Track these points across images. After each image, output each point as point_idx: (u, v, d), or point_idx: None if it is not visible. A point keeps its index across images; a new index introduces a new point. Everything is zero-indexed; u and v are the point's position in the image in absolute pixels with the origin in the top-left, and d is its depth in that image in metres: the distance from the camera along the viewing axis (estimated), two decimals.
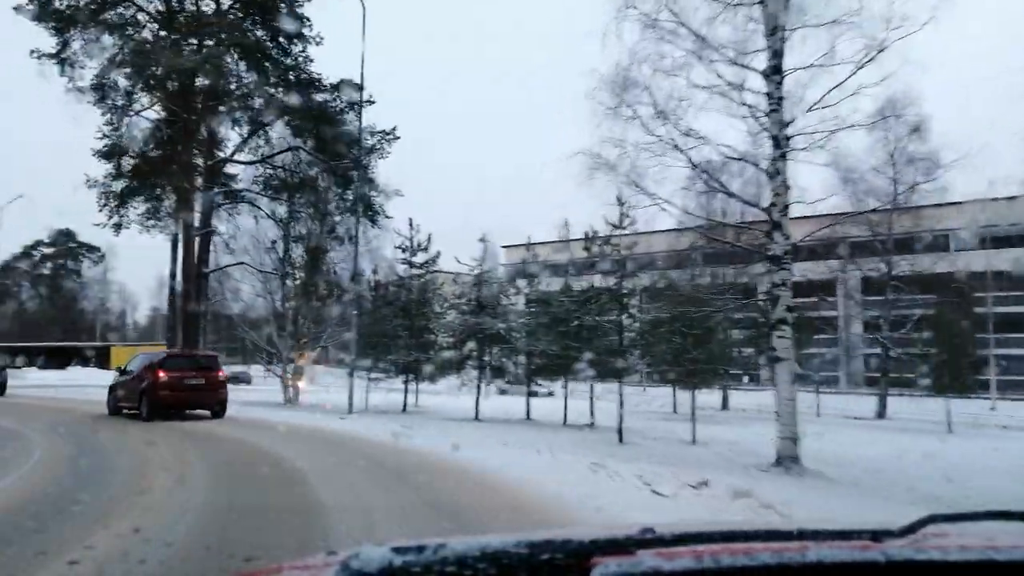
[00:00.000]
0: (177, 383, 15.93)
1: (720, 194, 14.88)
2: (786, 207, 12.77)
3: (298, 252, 28.05)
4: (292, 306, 30.83)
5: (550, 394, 24.80)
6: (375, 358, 28.59)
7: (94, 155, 24.05)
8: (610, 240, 19.03)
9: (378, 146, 25.34)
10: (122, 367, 18.36)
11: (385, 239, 28.94)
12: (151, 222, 32.77)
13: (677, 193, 14.80)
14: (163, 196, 28.02)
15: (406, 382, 29.78)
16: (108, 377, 45.76)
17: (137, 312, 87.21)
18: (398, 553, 0.99)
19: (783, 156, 12.81)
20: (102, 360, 57.03)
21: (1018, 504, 1.27)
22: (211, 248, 26.66)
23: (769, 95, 12.82)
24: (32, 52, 22.80)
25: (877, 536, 1.14)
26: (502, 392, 31.93)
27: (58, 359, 57.43)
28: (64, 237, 76.60)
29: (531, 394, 23.70)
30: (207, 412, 16.50)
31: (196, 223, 25.25)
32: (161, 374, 16.01)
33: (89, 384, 36.87)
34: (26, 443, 11.88)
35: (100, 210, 24.86)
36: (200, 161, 25.58)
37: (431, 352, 29.93)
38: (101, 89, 23.52)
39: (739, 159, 13.38)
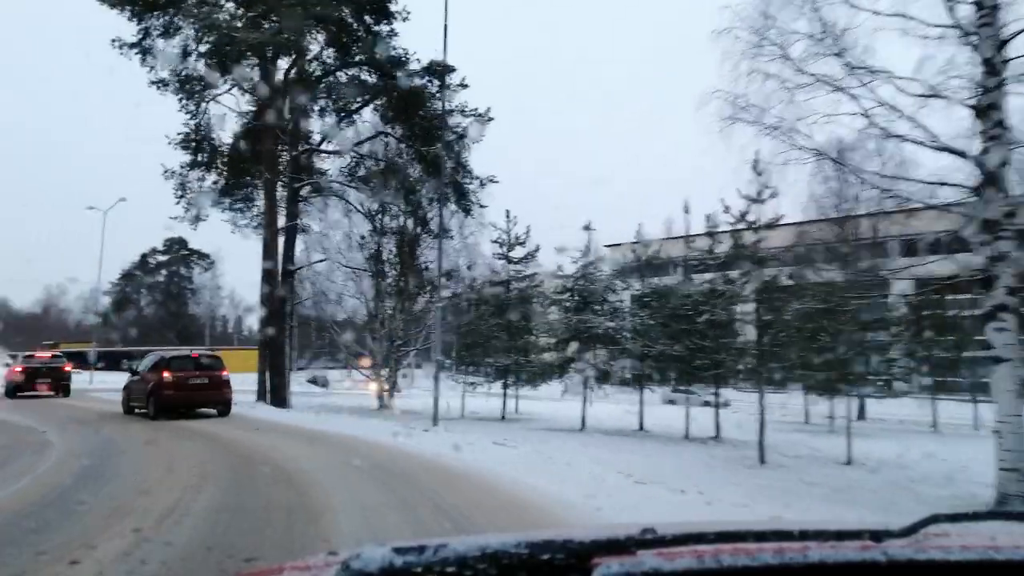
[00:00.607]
0: (181, 383, 16.15)
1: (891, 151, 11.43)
2: (1008, 154, 9.41)
3: (390, 248, 26.21)
4: (385, 306, 29.11)
5: (724, 404, 20.79)
6: (471, 361, 26.50)
7: (169, 144, 22.87)
8: (746, 221, 15.77)
9: (470, 131, 23.05)
10: (135, 368, 18.72)
11: (482, 234, 26.67)
12: (239, 217, 31.66)
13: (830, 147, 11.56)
14: (252, 193, 26.81)
15: (505, 387, 27.58)
16: None
17: (250, 317, 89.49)
18: (399, 553, 0.98)
19: (1000, 86, 9.47)
20: None
21: None
22: (298, 245, 25.11)
23: (979, 3, 9.51)
24: (113, 42, 21.86)
25: (878, 536, 1.12)
26: (669, 402, 28.57)
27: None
28: (176, 244, 79.24)
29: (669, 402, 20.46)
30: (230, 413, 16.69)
31: (282, 219, 23.70)
32: (165, 374, 16.24)
33: None
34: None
35: (177, 202, 23.74)
36: (284, 153, 23.97)
37: (531, 354, 27.58)
38: (180, 78, 22.32)
39: (930, 95, 10.06)
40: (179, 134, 23.03)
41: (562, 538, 1.06)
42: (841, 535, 1.15)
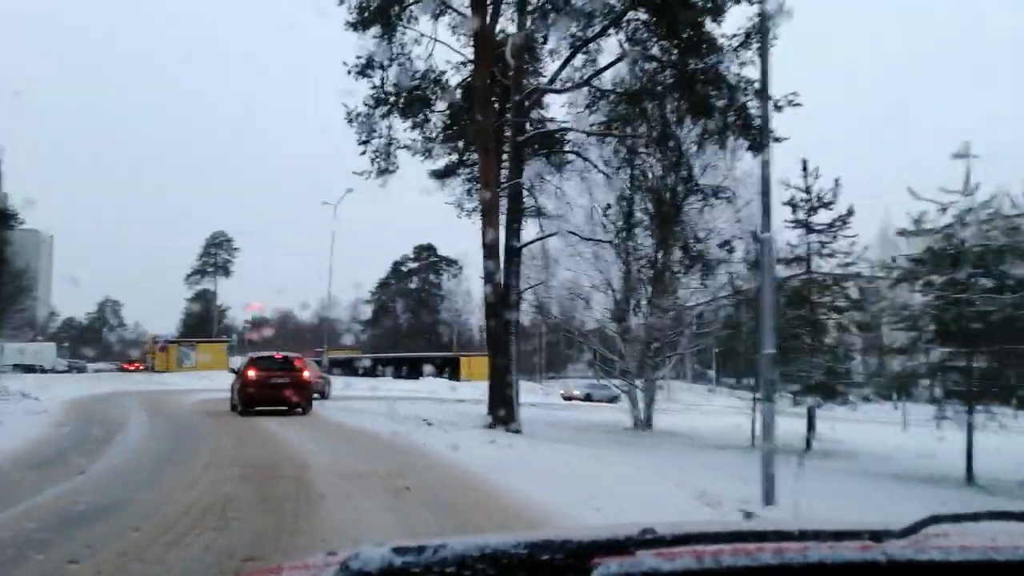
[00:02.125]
0: (263, 381, 17.08)
1: None
2: None
3: (642, 215, 19.65)
4: (639, 294, 22.61)
5: None
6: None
7: (348, 73, 18.20)
8: None
9: (758, 34, 15.68)
10: (236, 368, 19.95)
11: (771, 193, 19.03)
12: (465, 199, 26.83)
13: None
14: (464, 152, 21.82)
15: (812, 407, 19.78)
16: (446, 387, 43.09)
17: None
18: (398, 553, 0.98)
19: None
20: (453, 370, 55.81)
21: None
22: (527, 230, 19.49)
23: None
24: None
25: (878, 536, 1.13)
26: None
27: (417, 369, 57.36)
28: (425, 251, 79.71)
29: None
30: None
31: (501, 181, 18.24)
32: (249, 373, 17.35)
33: (407, 395, 33.71)
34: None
35: (362, 152, 19.16)
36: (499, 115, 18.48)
37: (847, 361, 19.46)
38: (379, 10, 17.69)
39: None
40: (359, 61, 18.23)
41: (561, 538, 1.05)
42: (841, 535, 1.14)
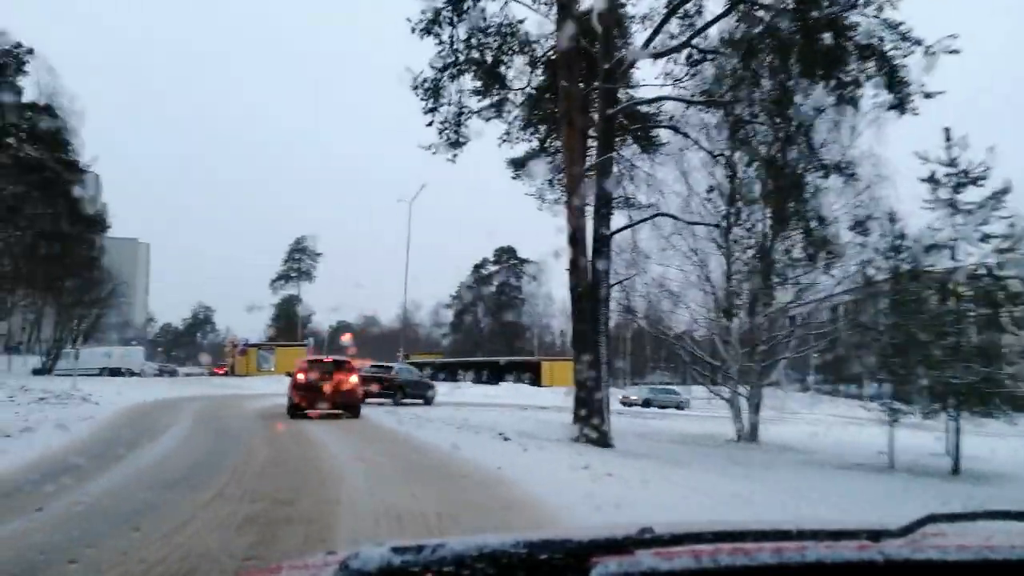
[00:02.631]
0: (311, 385, 17.03)
1: None
2: None
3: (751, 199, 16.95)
4: (744, 291, 19.90)
5: None
6: (902, 377, 15.94)
7: (412, 31, 16.15)
8: None
9: None
10: (292, 372, 19.45)
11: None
12: (546, 190, 24.88)
13: None
14: (546, 138, 19.78)
15: (956, 419, 16.58)
16: (526, 393, 40.97)
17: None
18: (397, 553, 0.98)
19: None
20: (534, 375, 53.77)
21: None
22: (614, 202, 17.09)
23: None
24: None
25: (875, 536, 1.13)
26: None
27: (497, 374, 55.61)
28: (506, 254, 78.06)
29: None
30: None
31: (587, 161, 15.96)
32: (298, 376, 17.35)
33: (486, 401, 31.85)
34: None
35: (429, 123, 17.09)
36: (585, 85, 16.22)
37: (1006, 366, 16.23)
38: None
39: None
40: (424, 16, 16.15)
41: (560, 538, 1.05)
42: (839, 535, 1.14)
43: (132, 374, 42.01)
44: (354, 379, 17.92)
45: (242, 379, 42.78)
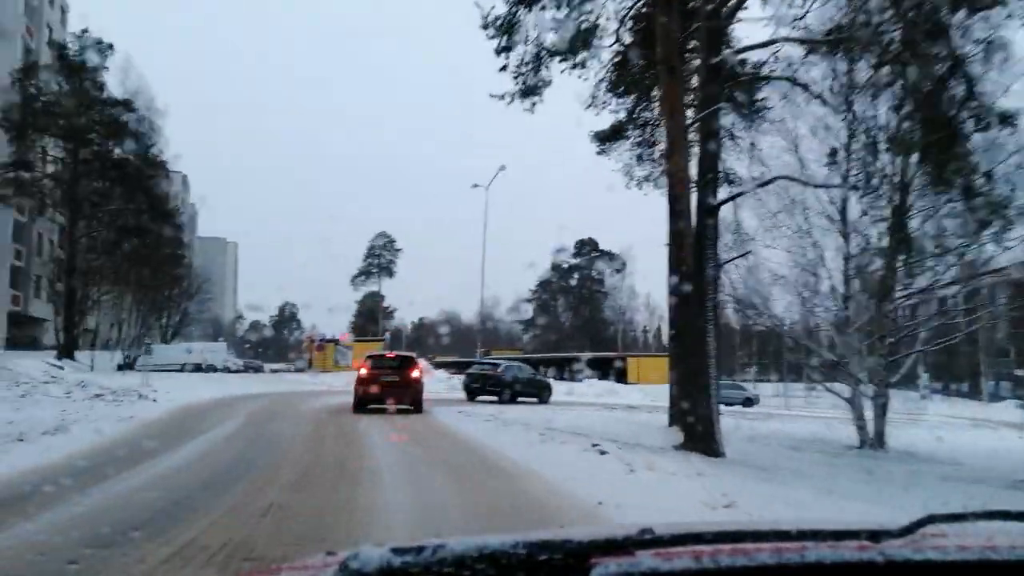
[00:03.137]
0: (374, 379, 17.23)
1: None
2: None
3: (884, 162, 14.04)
4: (866, 273, 16.93)
5: None
6: None
7: None
8: None
9: None
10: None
11: None
12: (635, 167, 22.59)
13: None
14: (635, 106, 17.41)
15: None
16: (613, 390, 38.45)
17: (664, 324, 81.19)
18: (397, 553, 0.97)
19: None
20: (620, 372, 51.06)
21: None
22: (720, 165, 14.50)
23: None
24: None
25: (875, 536, 1.12)
26: None
27: (582, 371, 53.14)
28: (587, 246, 75.43)
29: None
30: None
31: (689, 120, 13.43)
32: (362, 371, 17.84)
33: (569, 400, 29.47)
34: None
35: (502, 68, 14.68)
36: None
37: None
38: None
39: None
40: None
41: (560, 538, 1.04)
42: (839, 535, 1.14)
43: (213, 370, 41.73)
44: (416, 374, 17.84)
45: (317, 375, 41.93)
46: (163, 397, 18.89)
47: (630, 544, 1.05)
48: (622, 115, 21.42)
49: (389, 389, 17.05)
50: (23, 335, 41.88)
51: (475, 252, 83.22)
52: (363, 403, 17.08)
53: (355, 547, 0.99)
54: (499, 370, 26.74)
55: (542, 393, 27.87)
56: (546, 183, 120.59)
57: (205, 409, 16.50)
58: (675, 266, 12.87)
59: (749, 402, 37.72)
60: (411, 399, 17.36)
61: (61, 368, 24.14)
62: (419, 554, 0.97)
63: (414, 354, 20.28)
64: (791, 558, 1.00)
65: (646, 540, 1.07)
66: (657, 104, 18.94)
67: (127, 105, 38.48)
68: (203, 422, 13.47)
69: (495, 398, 25.02)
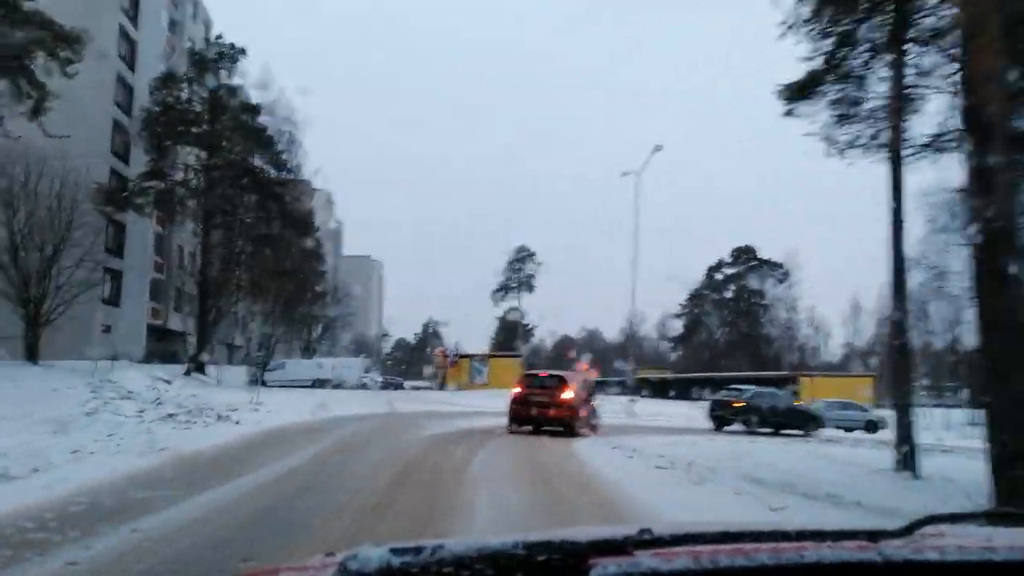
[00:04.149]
0: (525, 399, 16.94)
1: None
2: None
3: None
4: None
5: None
6: None
7: None
8: None
9: None
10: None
11: None
12: (836, 129, 18.26)
13: None
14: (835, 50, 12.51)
15: None
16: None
17: (830, 340, 72.02)
18: (396, 554, 0.97)
19: None
20: (792, 394, 44.39)
21: None
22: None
23: None
24: None
25: (875, 536, 1.11)
26: None
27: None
28: (744, 254, 68.39)
29: None
30: None
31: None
32: (516, 390, 17.49)
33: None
34: None
35: None
36: None
37: None
38: None
39: None
40: None
41: (559, 539, 1.04)
42: (838, 535, 1.13)
43: (339, 386, 39.49)
44: (569, 395, 17.01)
45: (448, 394, 38.66)
46: (258, 417, 15.73)
47: (629, 544, 1.05)
48: (818, 63, 16.48)
49: (539, 410, 16.79)
50: (164, 349, 41.58)
51: (619, 273, 78.18)
52: (514, 423, 16.99)
53: (355, 547, 0.97)
54: (744, 396, 24.80)
55: (807, 425, 24.60)
56: (700, 195, 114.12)
57: (286, 437, 12.89)
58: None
59: (875, 426, 30.10)
60: (563, 420, 16.80)
61: (168, 383, 21.93)
62: (418, 554, 0.96)
63: (565, 372, 19.15)
64: (791, 558, 0.99)
65: (645, 540, 1.07)
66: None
67: (260, 111, 37.20)
68: (265, 457, 9.78)
69: (742, 425, 23.77)
